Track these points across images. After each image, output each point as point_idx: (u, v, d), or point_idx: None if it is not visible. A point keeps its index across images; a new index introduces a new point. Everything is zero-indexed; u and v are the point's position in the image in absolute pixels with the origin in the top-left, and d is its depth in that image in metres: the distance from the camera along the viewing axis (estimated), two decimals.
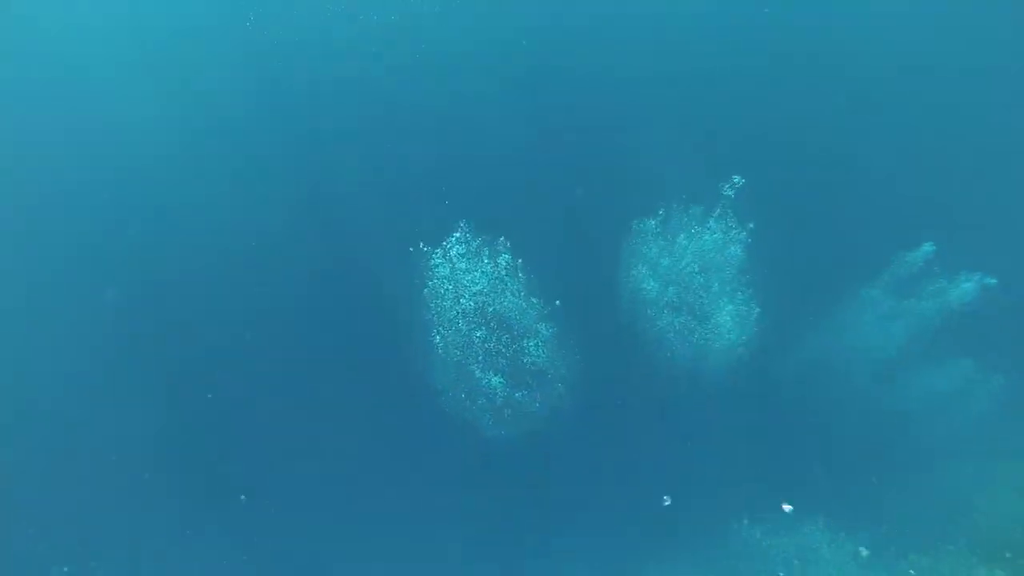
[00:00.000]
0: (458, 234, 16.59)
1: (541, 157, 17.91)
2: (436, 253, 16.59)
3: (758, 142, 16.81)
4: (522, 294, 16.93)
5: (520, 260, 16.70)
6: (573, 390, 17.65)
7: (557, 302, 17.10)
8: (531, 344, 17.01)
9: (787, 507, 16.12)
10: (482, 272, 16.73)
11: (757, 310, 16.92)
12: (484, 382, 16.87)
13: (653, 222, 17.02)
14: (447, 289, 16.63)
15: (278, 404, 17.64)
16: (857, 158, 17.22)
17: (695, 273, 17.00)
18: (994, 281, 15.97)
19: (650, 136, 17.06)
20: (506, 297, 16.79)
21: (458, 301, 16.68)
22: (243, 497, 17.07)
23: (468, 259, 16.66)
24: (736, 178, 16.03)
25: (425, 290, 16.75)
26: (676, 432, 17.84)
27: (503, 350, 16.84)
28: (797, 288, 17.34)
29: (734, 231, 16.57)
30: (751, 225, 16.52)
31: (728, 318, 16.99)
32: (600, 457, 17.80)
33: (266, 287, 18.02)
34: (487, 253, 16.68)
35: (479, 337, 16.79)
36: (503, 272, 16.75)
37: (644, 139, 17.17)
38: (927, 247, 16.29)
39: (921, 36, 17.47)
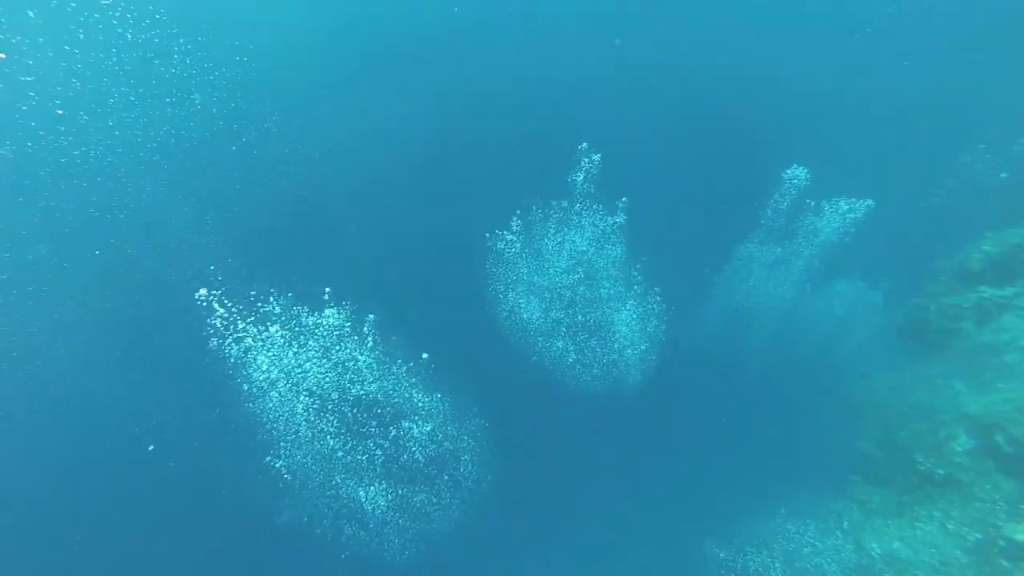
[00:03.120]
0: (265, 297, 11.11)
1: (361, 180, 13.93)
2: (238, 333, 10.77)
3: (603, 114, 14.37)
4: (378, 361, 12.39)
5: (371, 316, 12.08)
6: (482, 461, 13.95)
7: (424, 355, 13.09)
8: (410, 423, 12.89)
9: None
10: (314, 344, 11.49)
11: (657, 299, 14.49)
12: (362, 500, 12.45)
13: (512, 236, 13.78)
14: (269, 386, 11.43)
15: None
16: (709, 108, 15.53)
17: (577, 282, 14.10)
18: (865, 203, 15.08)
19: (484, 135, 13.90)
20: (358, 371, 12.19)
21: (295, 397, 11.49)
22: None
23: (288, 331, 11.18)
24: (589, 156, 13.15)
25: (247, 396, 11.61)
26: (612, 473, 14.99)
27: (374, 446, 12.47)
28: (684, 264, 15.53)
29: (603, 219, 13.89)
30: (624, 200, 13.62)
31: (629, 322, 14.37)
32: (538, 540, 14.37)
33: None
34: (311, 317, 11.53)
35: (335, 440, 12.13)
36: (345, 338, 11.85)
37: (477, 140, 13.99)
38: (798, 173, 14.89)
39: None
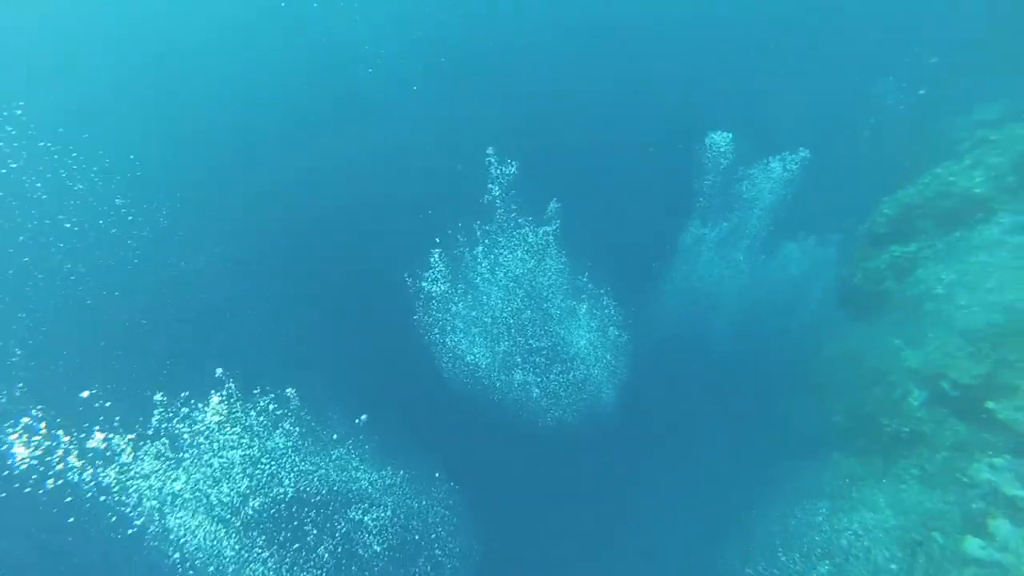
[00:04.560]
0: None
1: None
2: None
3: (502, 114, 13.11)
4: (299, 442, 10.11)
5: (290, 391, 10.00)
6: (463, 530, 12.10)
7: (362, 418, 11.06)
8: (362, 511, 10.77)
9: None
10: (220, 442, 9.01)
11: (612, 305, 13.14)
12: None
13: (436, 273, 12.16)
14: (162, 514, 8.71)
15: None
16: (614, 89, 14.55)
17: (521, 308, 12.58)
18: (800, 156, 14.33)
19: (379, 168, 12.38)
20: (278, 460, 9.69)
21: (205, 521, 8.89)
22: None
23: (185, 437, 8.71)
24: (501, 165, 11.70)
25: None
26: (608, 503, 13.36)
27: (324, 549, 10.15)
28: (631, 261, 14.38)
29: (534, 231, 12.50)
30: (554, 204, 12.17)
31: (588, 336, 12.95)
32: None
33: None
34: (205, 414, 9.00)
35: (268, 560, 9.61)
36: (259, 427, 9.49)
37: (372, 175, 12.46)
38: (722, 139, 13.97)
39: None
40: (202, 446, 8.83)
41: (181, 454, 8.57)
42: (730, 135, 13.81)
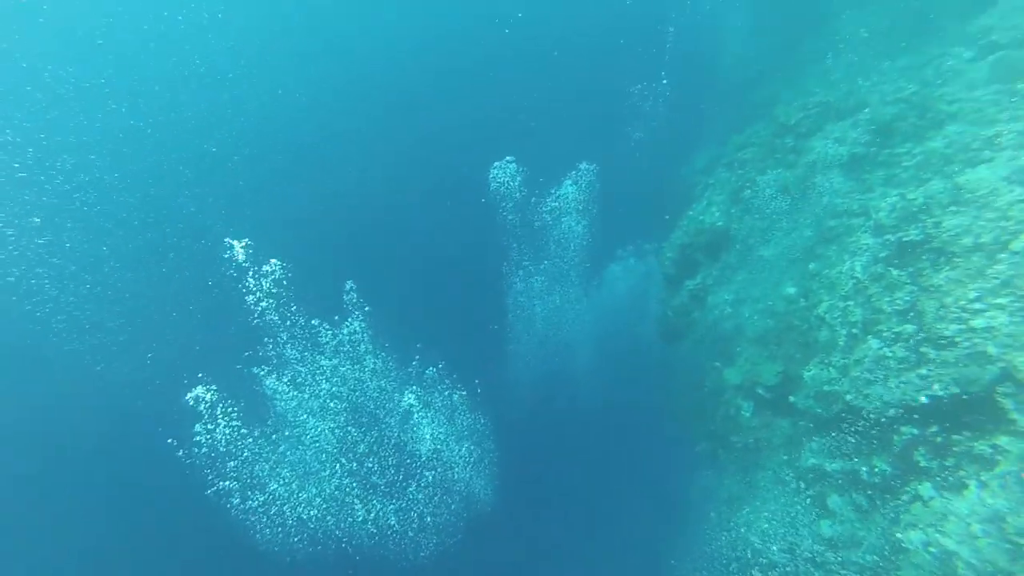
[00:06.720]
0: None
1: None
2: None
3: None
4: None
5: None
6: None
7: None
8: None
9: None
10: None
11: (453, 386, 11.21)
12: None
13: (215, 420, 9.12)
14: None
15: None
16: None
17: (345, 426, 10.08)
18: (588, 172, 14.03)
19: None
20: None
21: None
22: None
23: None
24: (257, 263, 9.25)
25: None
26: None
27: None
28: (464, 330, 12.83)
29: (334, 334, 10.24)
30: (351, 293, 10.12)
31: (434, 434, 10.78)
32: None
33: None
34: None
35: None
36: None
37: None
38: (504, 169, 13.26)
39: None
40: None
41: None
42: (512, 161, 13.05)
